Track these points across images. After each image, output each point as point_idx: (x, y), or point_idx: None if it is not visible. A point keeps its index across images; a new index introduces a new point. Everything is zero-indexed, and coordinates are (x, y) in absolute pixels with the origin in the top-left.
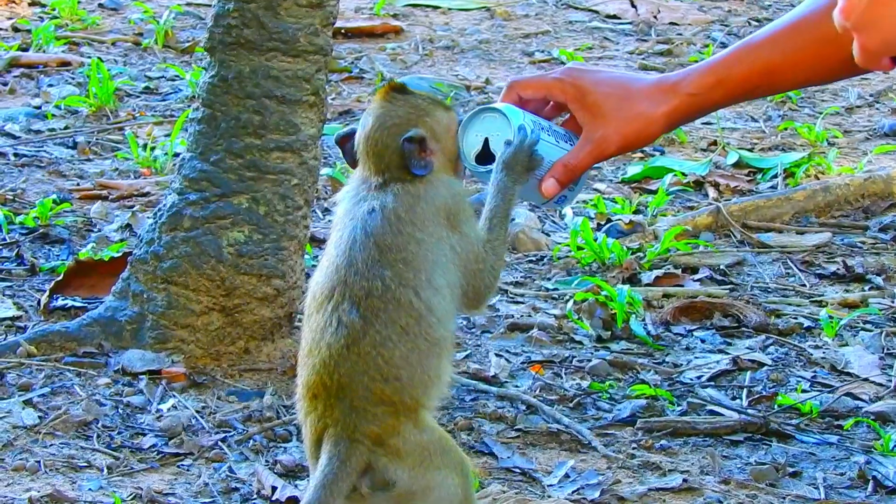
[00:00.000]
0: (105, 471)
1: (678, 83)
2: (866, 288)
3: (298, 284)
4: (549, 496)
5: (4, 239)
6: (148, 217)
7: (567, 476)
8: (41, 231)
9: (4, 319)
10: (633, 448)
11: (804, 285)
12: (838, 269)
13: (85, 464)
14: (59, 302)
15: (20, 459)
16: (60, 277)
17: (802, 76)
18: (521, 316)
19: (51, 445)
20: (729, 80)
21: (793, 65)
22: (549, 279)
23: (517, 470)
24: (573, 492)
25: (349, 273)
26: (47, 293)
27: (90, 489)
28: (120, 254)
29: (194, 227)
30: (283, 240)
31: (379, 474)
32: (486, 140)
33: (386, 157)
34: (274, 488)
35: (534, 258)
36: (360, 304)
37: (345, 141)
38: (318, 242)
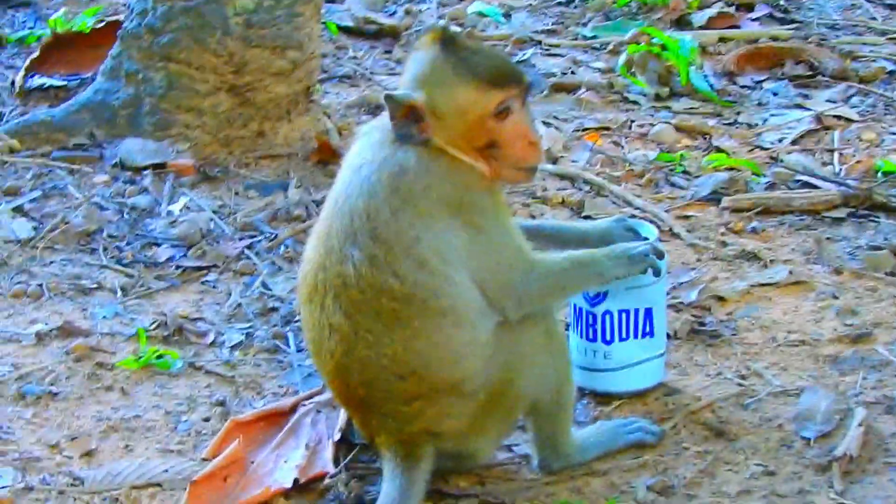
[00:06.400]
0: (119, 293)
1: None
2: None
3: (316, 54)
4: None
5: None
6: None
7: None
8: None
9: None
10: (722, 234)
11: (874, 18)
12: None
13: (94, 285)
14: (37, 81)
15: (19, 283)
16: (37, 54)
17: None
18: (563, 73)
19: (51, 263)
20: None
21: None
22: (584, 24)
23: None
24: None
25: (326, 252)
26: (22, 72)
27: (104, 317)
28: (103, 22)
29: None
30: (297, 5)
31: (455, 456)
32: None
33: (390, 110)
34: None
35: (563, 1)
36: (341, 298)
37: None
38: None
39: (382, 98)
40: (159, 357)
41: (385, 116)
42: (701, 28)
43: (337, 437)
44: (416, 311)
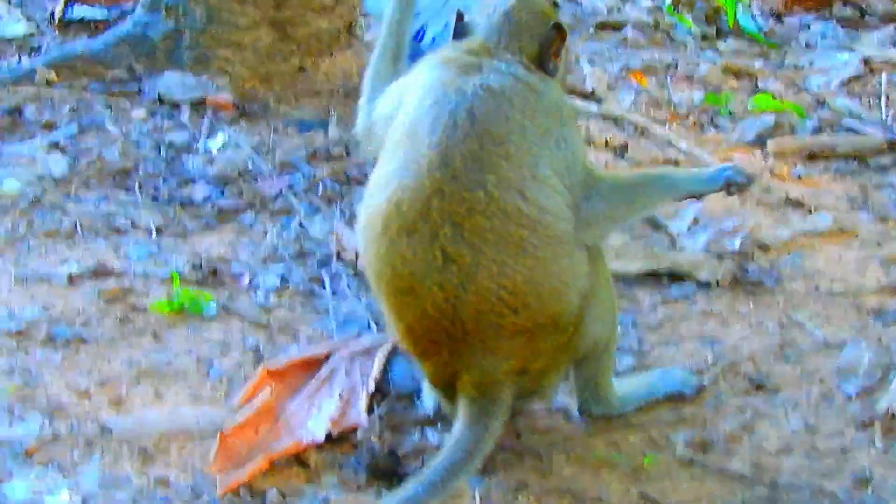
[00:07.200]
0: (153, 233)
1: None
2: None
3: None
4: (682, 248)
5: None
6: None
7: (696, 220)
8: None
9: (14, 39)
10: (767, 179)
11: None
12: None
13: (128, 224)
14: (76, 12)
15: (52, 221)
16: None
17: None
18: (610, 11)
19: (85, 201)
20: None
21: None
22: None
23: None
24: (708, 241)
25: (445, 177)
26: (62, 3)
27: (139, 257)
28: None
29: None
30: None
31: (527, 395)
32: None
33: (524, 38)
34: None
35: None
36: (464, 227)
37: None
38: None
39: (552, 26)
40: (193, 300)
41: (475, 45)
42: None
43: (371, 386)
44: (542, 238)
